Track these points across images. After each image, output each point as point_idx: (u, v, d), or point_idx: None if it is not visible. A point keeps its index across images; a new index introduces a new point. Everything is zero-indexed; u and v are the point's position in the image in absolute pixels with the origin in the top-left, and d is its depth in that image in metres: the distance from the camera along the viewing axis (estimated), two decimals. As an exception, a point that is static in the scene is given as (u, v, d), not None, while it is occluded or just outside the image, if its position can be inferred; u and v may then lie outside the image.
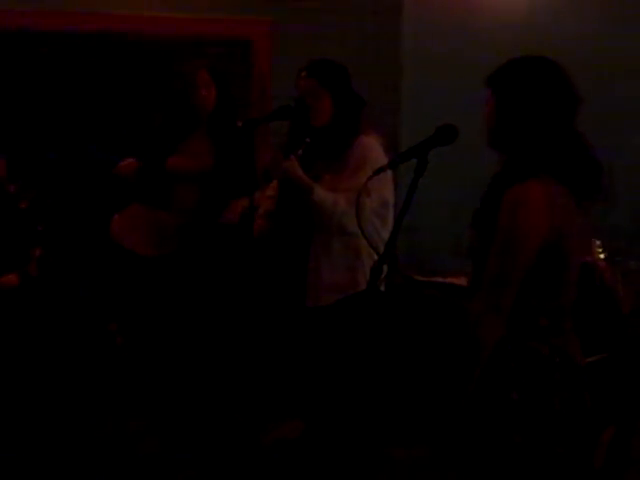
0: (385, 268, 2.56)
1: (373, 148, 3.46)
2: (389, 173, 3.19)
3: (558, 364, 2.40)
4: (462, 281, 4.81)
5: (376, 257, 2.85)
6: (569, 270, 2.46)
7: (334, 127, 3.49)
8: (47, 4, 5.03)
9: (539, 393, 2.37)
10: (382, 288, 3.46)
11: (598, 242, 4.41)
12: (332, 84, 3.50)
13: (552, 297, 2.44)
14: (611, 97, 5.23)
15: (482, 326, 2.37)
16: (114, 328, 4.61)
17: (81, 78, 5.21)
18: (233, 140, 4.11)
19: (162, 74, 4.99)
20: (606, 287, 4.19)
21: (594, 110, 4.78)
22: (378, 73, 4.96)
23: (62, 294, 4.60)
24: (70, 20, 5.09)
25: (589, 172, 2.42)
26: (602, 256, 4.37)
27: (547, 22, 5.25)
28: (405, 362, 4.16)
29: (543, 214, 2.32)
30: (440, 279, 4.97)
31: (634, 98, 5.31)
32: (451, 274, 4.97)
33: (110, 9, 5.07)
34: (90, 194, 5.05)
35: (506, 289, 2.37)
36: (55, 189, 4.88)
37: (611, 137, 5.12)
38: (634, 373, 3.72)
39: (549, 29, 5.22)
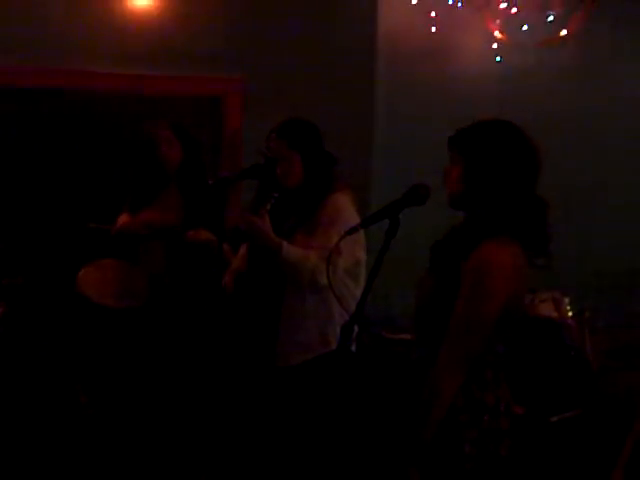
0: (356, 328, 2.55)
1: (345, 206, 3.46)
2: (361, 232, 3.20)
3: (502, 413, 2.46)
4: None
5: (347, 316, 2.85)
6: (513, 325, 2.52)
7: (305, 187, 3.49)
8: (18, 59, 5.00)
9: (488, 442, 2.42)
10: (353, 348, 3.44)
11: (567, 300, 4.44)
12: (302, 145, 3.50)
13: (497, 350, 2.49)
14: (583, 149, 5.35)
15: (445, 379, 2.40)
16: (78, 387, 4.54)
17: (46, 136, 5.19)
18: (203, 196, 4.12)
19: (129, 133, 5.00)
20: (575, 345, 4.21)
21: (564, 162, 5.02)
22: (350, 131, 4.99)
23: (25, 351, 4.54)
24: (36, 76, 5.07)
25: (543, 234, 2.50)
26: (570, 314, 4.40)
27: (519, 78, 5.36)
28: (373, 422, 4.14)
29: (510, 275, 2.40)
30: (409, 336, 4.96)
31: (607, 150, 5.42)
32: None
33: (79, 66, 5.06)
34: (57, 248, 5.01)
35: (474, 344, 2.42)
36: (21, 243, 4.84)
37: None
38: (605, 429, 3.72)
39: (521, 86, 5.33)
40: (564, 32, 5.38)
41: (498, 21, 5.36)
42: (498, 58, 5.39)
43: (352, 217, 3.39)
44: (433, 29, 5.30)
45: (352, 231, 2.58)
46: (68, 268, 4.36)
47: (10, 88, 5.03)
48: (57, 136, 5.19)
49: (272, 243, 3.37)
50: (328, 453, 3.32)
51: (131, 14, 5.10)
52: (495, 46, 5.38)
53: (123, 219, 4.29)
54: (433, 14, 5.28)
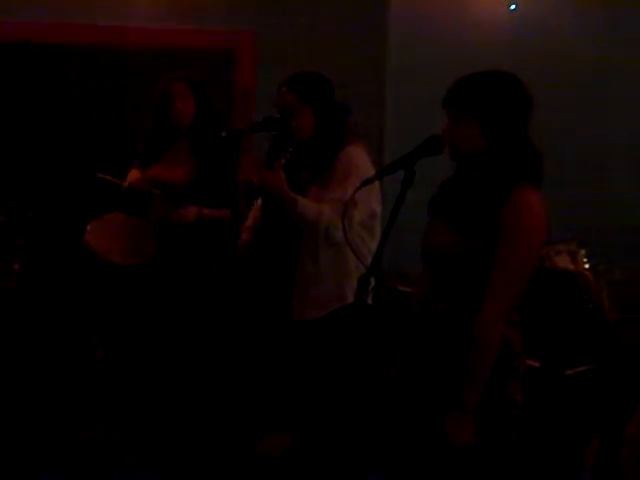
0: (372, 280, 2.54)
1: (359, 158, 3.43)
2: (376, 184, 3.18)
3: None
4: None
5: (363, 269, 2.83)
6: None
7: (318, 140, 3.45)
8: (29, 15, 4.98)
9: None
10: (369, 301, 3.43)
11: (583, 251, 4.40)
12: (313, 98, 3.46)
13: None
14: (595, 108, 5.27)
15: (495, 329, 2.41)
16: (95, 341, 4.56)
17: (62, 88, 5.18)
18: (214, 152, 4.09)
19: (143, 86, 4.96)
20: (591, 297, 4.18)
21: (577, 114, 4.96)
22: (363, 83, 4.94)
23: (42, 308, 4.55)
24: (52, 31, 5.05)
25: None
26: (587, 266, 4.36)
27: (534, 26, 5.28)
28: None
29: (545, 218, 2.43)
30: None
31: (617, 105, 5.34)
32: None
33: (91, 20, 5.03)
34: (69, 206, 5.01)
35: (518, 292, 2.45)
36: (34, 202, 4.84)
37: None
38: (620, 383, 3.72)
39: (531, 44, 5.25)
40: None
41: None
42: (512, 6, 5.30)
43: (367, 169, 3.36)
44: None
45: (367, 182, 2.55)
46: (77, 221, 4.34)
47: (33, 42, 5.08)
48: (73, 90, 5.19)
49: (287, 198, 3.35)
50: (344, 406, 3.33)
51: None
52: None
53: (133, 174, 4.26)
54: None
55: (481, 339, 2.41)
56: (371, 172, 3.23)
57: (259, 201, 3.78)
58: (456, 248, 2.48)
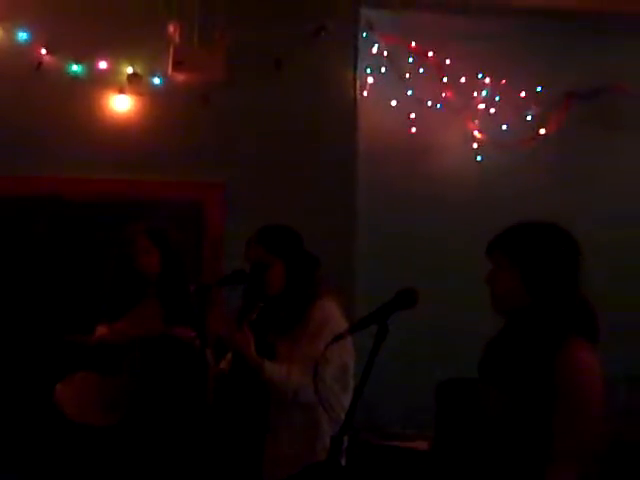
0: (346, 439, 2.44)
1: (331, 312, 3.37)
2: (349, 337, 3.13)
3: None
4: (422, 445, 4.68)
5: (336, 426, 2.74)
6: None
7: (289, 294, 3.41)
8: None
9: None
10: (342, 459, 3.30)
11: None
12: (282, 251, 3.43)
13: None
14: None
15: None
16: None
17: (25, 242, 5.14)
18: (183, 303, 4.04)
19: (110, 239, 4.95)
20: None
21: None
22: (333, 236, 4.96)
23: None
24: (15, 184, 5.05)
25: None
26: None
27: (499, 178, 5.40)
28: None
29: (601, 376, 2.36)
30: (397, 443, 4.83)
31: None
32: (407, 439, 4.86)
33: (59, 173, 5.05)
34: (34, 361, 4.90)
35: (583, 462, 2.33)
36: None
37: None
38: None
39: (502, 186, 5.35)
40: (543, 131, 5.44)
41: (477, 121, 5.41)
42: (479, 158, 5.42)
43: (339, 323, 3.30)
44: (413, 130, 5.34)
45: (338, 338, 2.50)
46: (46, 384, 4.23)
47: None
48: (36, 244, 5.14)
49: (253, 362, 3.29)
50: None
51: (111, 119, 5.13)
52: (475, 146, 5.42)
53: (101, 330, 4.18)
54: (413, 115, 5.33)
55: None
56: (344, 325, 3.19)
57: (229, 355, 3.70)
58: (508, 414, 2.38)
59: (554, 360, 2.34)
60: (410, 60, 5.38)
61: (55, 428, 4.18)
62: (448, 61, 5.40)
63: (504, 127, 5.41)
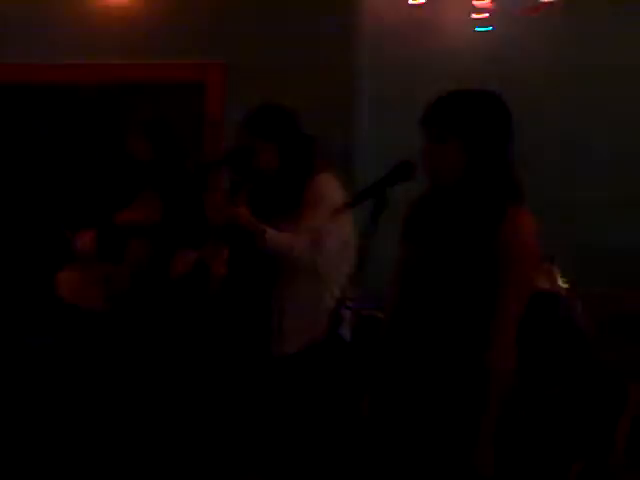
0: (347, 312, 2.51)
1: (329, 187, 3.38)
2: (348, 211, 3.16)
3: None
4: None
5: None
6: None
7: (284, 172, 3.41)
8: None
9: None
10: (346, 331, 3.38)
11: (557, 269, 4.41)
12: (275, 135, 3.42)
13: None
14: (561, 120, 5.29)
15: (509, 356, 2.38)
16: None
17: (26, 130, 5.15)
18: (179, 189, 4.07)
19: (108, 125, 4.96)
20: (569, 315, 4.18)
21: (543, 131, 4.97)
22: (333, 111, 4.94)
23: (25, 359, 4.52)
24: (15, 72, 5.03)
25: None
26: (562, 285, 4.37)
27: (505, 49, 5.30)
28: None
29: (537, 242, 2.42)
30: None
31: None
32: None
33: (56, 59, 5.02)
34: (36, 250, 4.98)
35: (522, 310, 2.42)
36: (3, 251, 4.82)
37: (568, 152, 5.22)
38: (600, 402, 3.71)
39: (508, 57, 5.28)
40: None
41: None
42: (482, 28, 5.33)
43: (337, 197, 3.31)
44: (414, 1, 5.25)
45: (338, 212, 2.54)
46: (49, 270, 4.31)
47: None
48: (33, 133, 5.15)
49: (255, 229, 3.29)
50: (323, 443, 3.29)
51: (110, 2, 5.07)
52: (479, 16, 5.32)
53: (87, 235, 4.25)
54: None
55: (499, 370, 2.37)
56: (342, 200, 3.20)
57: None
58: (441, 276, 2.44)
59: (498, 230, 2.37)
60: None
61: (55, 313, 4.28)
62: None
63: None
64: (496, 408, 2.36)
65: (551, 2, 5.28)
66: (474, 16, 5.32)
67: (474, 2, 5.31)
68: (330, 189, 3.37)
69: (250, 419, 3.57)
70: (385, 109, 5.21)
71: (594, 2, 5.33)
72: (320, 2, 5.15)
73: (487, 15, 5.29)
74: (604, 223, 5.19)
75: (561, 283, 4.37)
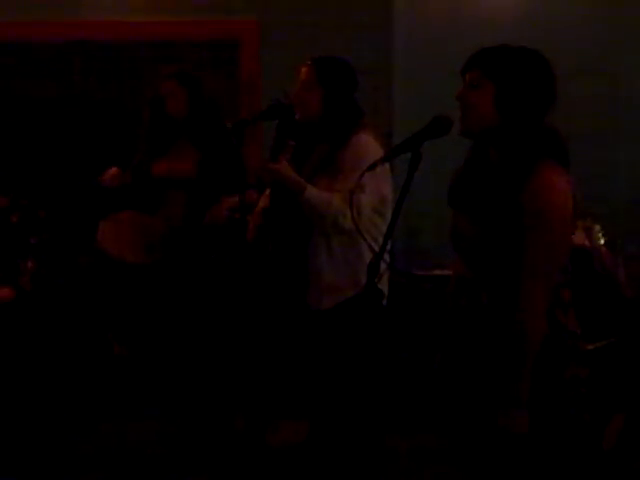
0: (383, 265, 2.50)
1: (369, 145, 3.33)
2: (386, 168, 3.14)
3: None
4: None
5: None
6: None
7: (326, 125, 3.38)
8: (27, 14, 4.99)
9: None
10: (384, 285, 3.38)
11: (598, 227, 4.37)
12: (328, 81, 3.37)
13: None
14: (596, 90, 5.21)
15: (536, 319, 2.35)
16: (110, 337, 4.57)
17: (66, 86, 5.19)
18: (216, 143, 4.08)
19: (146, 81, 4.97)
20: (607, 273, 4.15)
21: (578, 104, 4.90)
22: (369, 68, 4.89)
23: (56, 306, 4.57)
24: (48, 29, 5.05)
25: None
26: (602, 241, 4.32)
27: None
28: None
29: (570, 198, 2.36)
30: (439, 272, 4.93)
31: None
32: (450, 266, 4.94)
33: (92, 17, 5.03)
34: (79, 204, 5.02)
35: (554, 272, 2.38)
36: (46, 201, 4.85)
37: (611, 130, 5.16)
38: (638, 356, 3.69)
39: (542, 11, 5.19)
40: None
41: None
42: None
43: (376, 155, 3.25)
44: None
45: (373, 167, 2.51)
46: (89, 219, 4.36)
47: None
48: (74, 87, 5.19)
49: (295, 186, 3.29)
50: (360, 396, 3.31)
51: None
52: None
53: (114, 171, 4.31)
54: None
55: (524, 328, 2.34)
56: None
57: (267, 190, 3.75)
58: (482, 240, 2.42)
59: (526, 182, 2.34)
60: None
61: (97, 264, 4.34)
62: None
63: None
64: (526, 367, 2.34)
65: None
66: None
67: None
68: (370, 148, 3.31)
69: (289, 368, 3.61)
70: (418, 68, 5.16)
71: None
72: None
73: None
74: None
75: (601, 241, 4.33)
